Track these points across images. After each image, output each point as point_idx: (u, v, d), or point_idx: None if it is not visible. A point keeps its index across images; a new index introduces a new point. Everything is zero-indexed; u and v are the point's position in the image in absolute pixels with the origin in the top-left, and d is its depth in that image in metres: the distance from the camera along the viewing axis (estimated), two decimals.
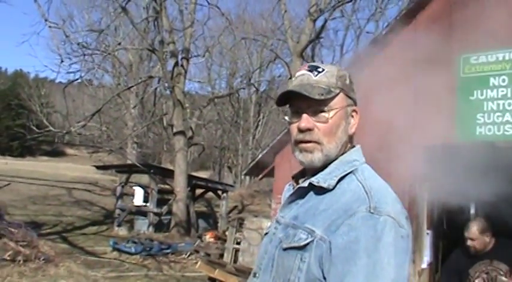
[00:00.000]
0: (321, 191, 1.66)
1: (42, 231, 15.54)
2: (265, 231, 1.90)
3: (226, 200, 19.58)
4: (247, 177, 33.43)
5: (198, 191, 20.03)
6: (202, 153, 36.11)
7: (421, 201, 6.54)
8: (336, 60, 28.77)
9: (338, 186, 1.64)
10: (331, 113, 1.67)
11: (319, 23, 19.49)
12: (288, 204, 1.77)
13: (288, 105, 1.77)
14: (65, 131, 18.19)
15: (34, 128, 19.91)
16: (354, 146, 1.78)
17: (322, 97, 1.65)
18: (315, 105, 1.67)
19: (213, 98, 25.44)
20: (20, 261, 10.49)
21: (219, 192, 19.87)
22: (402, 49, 6.77)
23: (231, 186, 23.19)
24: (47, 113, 28.13)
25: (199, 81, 35.62)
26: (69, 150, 62.34)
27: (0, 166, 35.20)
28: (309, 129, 1.67)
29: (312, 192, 1.69)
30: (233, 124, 36.70)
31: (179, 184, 17.26)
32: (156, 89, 23.69)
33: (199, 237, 15.55)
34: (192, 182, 18.38)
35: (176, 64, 18.12)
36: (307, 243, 1.58)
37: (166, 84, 19.33)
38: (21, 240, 11.06)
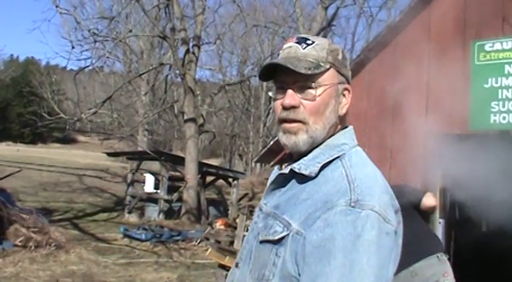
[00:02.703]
0: (303, 178, 1.50)
1: (53, 217, 15.60)
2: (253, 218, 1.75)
3: (237, 188, 19.56)
4: (258, 165, 33.46)
5: (209, 179, 20.03)
6: (213, 141, 36.24)
7: (434, 189, 6.47)
8: (348, 48, 28.60)
9: (322, 173, 1.49)
10: (319, 90, 1.51)
11: (330, 11, 19.39)
12: (271, 191, 1.63)
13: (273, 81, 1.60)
14: (76, 118, 18.20)
15: (45, 115, 20.07)
16: (346, 127, 1.61)
17: (309, 72, 1.48)
18: (302, 81, 1.50)
19: (224, 86, 25.34)
20: (31, 247, 10.55)
21: (230, 179, 19.85)
22: (415, 36, 6.68)
23: (242, 173, 23.16)
24: (58, 100, 28.26)
25: (210, 69, 35.58)
26: (80, 137, 62.75)
27: (12, 153, 35.47)
28: (294, 107, 1.51)
29: (294, 180, 1.54)
30: (244, 112, 36.70)
31: (190, 171, 17.27)
32: (167, 76, 23.63)
33: (210, 224, 15.55)
34: (203, 170, 18.38)
35: (187, 51, 18.06)
36: (282, 237, 1.44)
37: (177, 72, 19.27)
38: (32, 226, 11.10)
